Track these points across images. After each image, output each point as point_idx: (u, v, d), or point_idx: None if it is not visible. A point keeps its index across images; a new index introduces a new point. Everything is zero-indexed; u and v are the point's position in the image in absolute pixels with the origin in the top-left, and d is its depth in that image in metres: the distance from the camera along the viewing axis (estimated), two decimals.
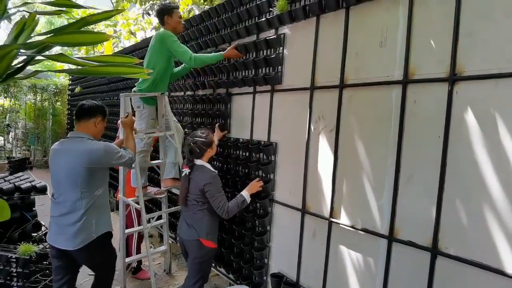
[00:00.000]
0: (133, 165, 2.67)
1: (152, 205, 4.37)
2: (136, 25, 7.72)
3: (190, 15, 5.45)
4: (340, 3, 2.21)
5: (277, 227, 2.76)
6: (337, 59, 2.24)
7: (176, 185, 3.28)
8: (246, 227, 2.97)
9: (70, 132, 2.40)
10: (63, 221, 2.18)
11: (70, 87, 10.62)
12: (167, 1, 3.47)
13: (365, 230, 2.04)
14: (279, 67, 2.70)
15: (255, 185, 2.65)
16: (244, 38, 3.09)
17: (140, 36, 8.03)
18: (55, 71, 2.66)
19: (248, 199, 2.59)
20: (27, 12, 2.03)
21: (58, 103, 12.18)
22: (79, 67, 1.98)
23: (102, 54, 8.31)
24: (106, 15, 2.14)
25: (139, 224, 3.39)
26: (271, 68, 2.78)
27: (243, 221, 3.04)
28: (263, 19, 2.80)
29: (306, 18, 2.47)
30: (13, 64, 1.78)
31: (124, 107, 2.96)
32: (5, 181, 4.07)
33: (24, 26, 1.93)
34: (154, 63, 3.06)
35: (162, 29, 3.23)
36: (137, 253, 3.61)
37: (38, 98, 11.76)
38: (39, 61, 2.10)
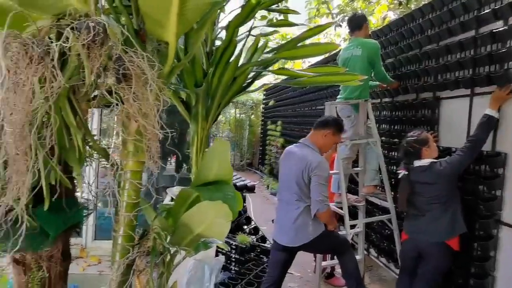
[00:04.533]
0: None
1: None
2: (326, 38, 8.05)
3: (385, 22, 5.30)
4: None
5: (505, 255, 2.31)
6: None
7: (376, 192, 3.23)
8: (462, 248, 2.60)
9: (302, 138, 2.65)
10: (284, 218, 2.44)
11: (264, 101, 12.03)
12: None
13: None
14: (509, 63, 2.29)
15: (500, 95, 2.23)
16: (456, 36, 2.78)
17: None
18: (275, 84, 3.02)
19: (496, 115, 2.26)
20: (252, 35, 2.36)
21: (252, 115, 14.00)
22: (299, 78, 2.18)
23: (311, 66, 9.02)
24: (318, 30, 2.29)
25: None
26: (496, 65, 2.39)
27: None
28: (487, 11, 2.45)
29: None
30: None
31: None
32: None
33: (257, 47, 2.25)
34: (359, 69, 3.09)
35: (369, 39, 3.29)
36: (331, 259, 3.69)
37: (237, 111, 13.81)
38: (262, 75, 2.42)
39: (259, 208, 6.06)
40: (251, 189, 4.57)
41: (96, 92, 1.08)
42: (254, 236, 3.79)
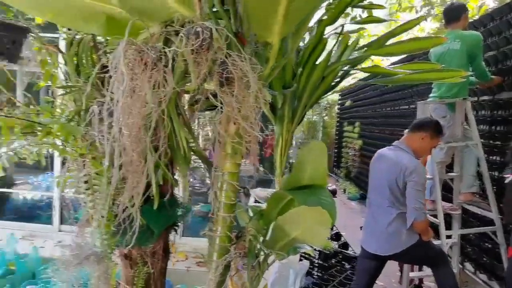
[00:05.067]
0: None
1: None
2: (408, 34, 7.55)
3: (481, 12, 4.78)
4: None
5: None
6: None
7: (475, 200, 2.90)
8: None
9: (396, 141, 2.50)
10: (374, 225, 2.31)
11: (339, 101, 11.69)
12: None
13: None
14: None
15: None
16: None
17: None
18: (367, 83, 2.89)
19: None
20: (337, 33, 2.28)
21: (326, 117, 13.69)
22: (392, 76, 2.04)
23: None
24: (410, 25, 2.12)
25: None
26: None
27: None
28: None
29: None
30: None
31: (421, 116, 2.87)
32: None
33: (347, 45, 2.16)
34: (457, 65, 2.81)
35: (469, 31, 2.98)
36: (420, 270, 3.42)
37: (310, 113, 13.61)
38: (350, 74, 2.31)
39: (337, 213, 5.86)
40: (332, 193, 4.44)
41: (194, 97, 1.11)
42: (336, 242, 3.67)
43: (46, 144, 1.20)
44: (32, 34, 1.33)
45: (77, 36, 1.27)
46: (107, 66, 1.17)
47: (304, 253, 2.89)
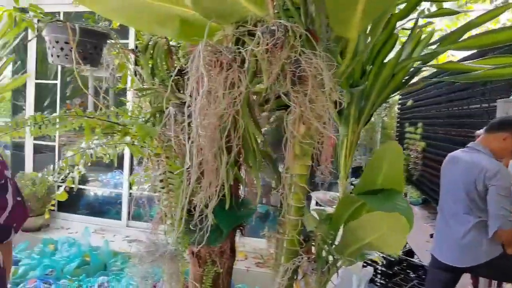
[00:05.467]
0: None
1: None
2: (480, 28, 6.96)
3: None
4: None
5: None
6: None
7: None
8: None
9: (471, 142, 2.32)
10: (448, 233, 2.14)
11: (400, 101, 11.13)
12: None
13: None
14: None
15: None
16: None
17: None
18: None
19: None
20: (405, 29, 2.15)
21: (385, 117, 13.09)
22: (470, 72, 1.87)
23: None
24: (491, 15, 1.92)
25: None
26: None
27: None
28: None
29: None
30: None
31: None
32: None
33: (419, 40, 2.02)
34: None
35: None
36: (498, 286, 3.12)
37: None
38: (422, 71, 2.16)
39: None
40: None
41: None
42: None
43: (123, 144, 1.27)
44: (111, 40, 1.41)
45: (150, 42, 1.32)
46: (181, 69, 1.20)
47: (369, 259, 2.77)
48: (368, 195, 1.29)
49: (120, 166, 4.13)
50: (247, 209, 1.34)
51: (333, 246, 1.31)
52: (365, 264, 2.82)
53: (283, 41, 0.94)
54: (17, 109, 4.81)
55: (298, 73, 0.98)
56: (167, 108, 1.11)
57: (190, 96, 0.83)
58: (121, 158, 3.86)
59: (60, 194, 1.03)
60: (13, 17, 1.50)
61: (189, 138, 0.84)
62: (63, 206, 4.14)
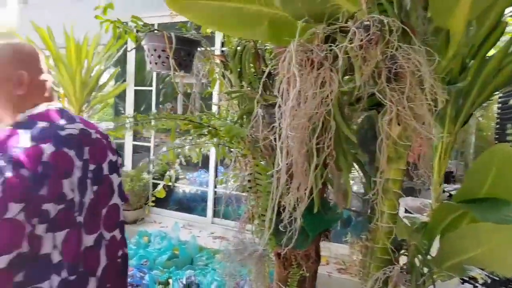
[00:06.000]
0: None
1: None
2: None
3: None
4: None
5: None
6: None
7: None
8: None
9: None
10: None
11: (500, 99, 9.90)
12: None
13: None
14: None
15: None
16: None
17: None
18: None
19: None
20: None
21: (480, 118, 11.76)
22: None
23: None
24: None
25: None
26: None
27: None
28: None
29: None
30: None
31: None
32: None
33: None
34: None
35: None
36: None
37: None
38: None
39: None
40: None
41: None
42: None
43: (210, 144, 1.32)
44: (202, 47, 1.49)
45: (239, 47, 1.36)
46: (269, 71, 1.22)
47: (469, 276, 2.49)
48: (471, 203, 1.15)
49: (205, 166, 4.36)
50: (334, 213, 1.30)
51: (428, 257, 1.20)
52: (462, 281, 2.54)
53: (378, 36, 0.88)
54: (118, 114, 5.39)
55: (394, 69, 0.92)
56: (254, 109, 1.13)
57: (280, 96, 0.82)
58: (206, 158, 4.07)
59: (159, 191, 1.10)
60: (117, 29, 1.66)
61: (278, 139, 0.83)
62: (156, 202, 4.50)
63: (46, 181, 0.87)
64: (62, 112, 1.02)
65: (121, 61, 4.82)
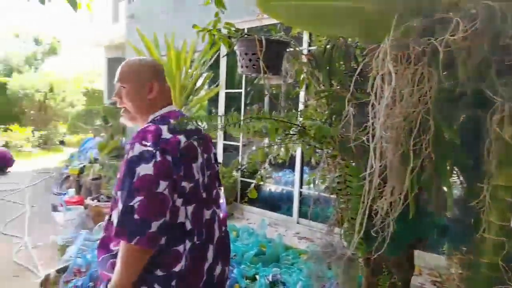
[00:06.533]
0: None
1: None
2: None
3: None
4: None
5: None
6: None
7: None
8: None
9: None
10: None
11: None
12: None
13: None
14: None
15: None
16: None
17: None
18: None
19: None
20: None
21: None
22: None
23: None
24: None
25: None
26: None
27: None
28: None
29: None
30: None
31: None
32: None
33: None
34: None
35: None
36: None
37: None
38: None
39: None
40: None
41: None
42: None
43: (299, 144, 1.32)
44: (290, 48, 1.50)
45: (328, 45, 1.34)
46: (356, 69, 1.17)
47: None
48: None
49: (290, 166, 4.38)
50: (430, 221, 1.20)
51: None
52: None
53: (487, 25, 0.79)
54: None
55: (507, 62, 0.81)
56: (343, 109, 1.10)
57: (374, 94, 0.79)
58: (291, 157, 4.08)
59: (251, 191, 1.15)
60: (212, 36, 1.77)
61: (371, 140, 0.80)
62: (244, 198, 4.69)
63: (182, 164, 1.10)
64: (180, 113, 1.28)
65: (213, 66, 5.11)
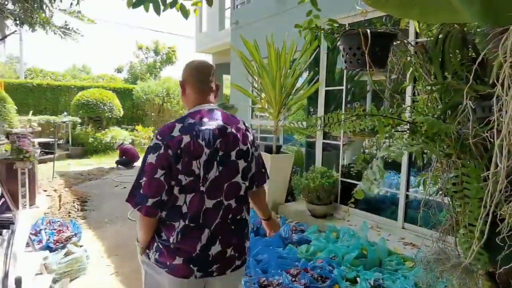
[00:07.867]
0: None
1: None
2: None
3: None
4: None
5: None
6: None
7: None
8: None
9: None
10: None
11: None
12: None
13: None
14: None
15: None
16: None
17: None
18: None
19: None
20: None
21: None
22: None
23: None
24: None
25: None
26: None
27: None
28: None
29: None
30: None
31: None
32: None
33: None
34: None
35: None
36: None
37: None
38: None
39: None
40: None
41: None
42: None
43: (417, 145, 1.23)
44: (397, 41, 1.41)
45: (440, 35, 1.22)
46: (475, 59, 1.04)
47: None
48: None
49: (394, 167, 4.11)
50: None
51: None
52: None
53: None
54: (309, 114, 5.71)
55: None
56: (460, 103, 0.99)
57: (500, 85, 0.70)
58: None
59: (358, 192, 1.13)
60: (314, 34, 1.77)
61: (496, 136, 0.71)
62: (345, 199, 4.56)
63: (181, 160, 1.32)
64: (210, 112, 1.45)
65: (312, 65, 5.08)
